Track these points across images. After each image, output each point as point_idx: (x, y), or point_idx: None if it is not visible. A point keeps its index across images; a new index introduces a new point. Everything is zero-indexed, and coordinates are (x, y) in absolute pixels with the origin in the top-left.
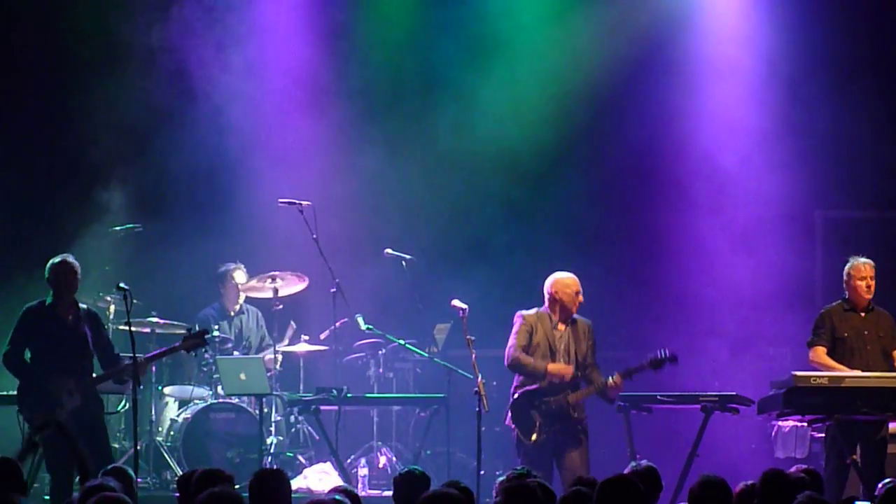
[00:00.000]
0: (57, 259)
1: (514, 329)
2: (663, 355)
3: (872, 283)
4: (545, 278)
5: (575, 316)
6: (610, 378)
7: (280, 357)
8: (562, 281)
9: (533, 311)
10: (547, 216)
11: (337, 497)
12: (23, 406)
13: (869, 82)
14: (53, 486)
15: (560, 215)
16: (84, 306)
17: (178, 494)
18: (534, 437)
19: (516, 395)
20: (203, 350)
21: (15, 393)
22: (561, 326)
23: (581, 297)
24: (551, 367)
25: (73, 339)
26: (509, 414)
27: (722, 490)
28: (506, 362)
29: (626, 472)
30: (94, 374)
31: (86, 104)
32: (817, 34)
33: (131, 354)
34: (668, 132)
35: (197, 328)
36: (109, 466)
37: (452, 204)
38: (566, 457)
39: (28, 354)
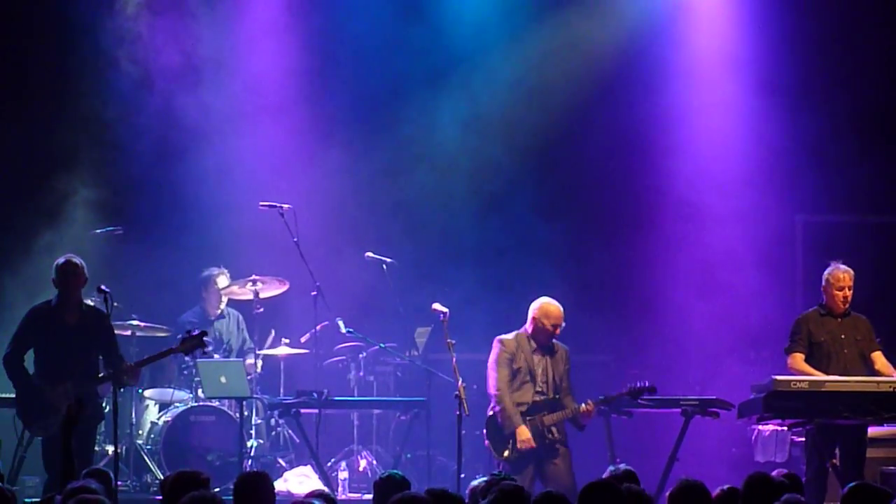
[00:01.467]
0: (61, 259)
1: (494, 357)
2: (642, 385)
3: (850, 293)
4: (525, 282)
5: (563, 346)
6: (583, 404)
7: (260, 361)
8: (546, 310)
9: (512, 335)
10: (528, 223)
11: (315, 502)
12: (20, 413)
13: (848, 88)
14: (49, 484)
15: (544, 225)
16: (90, 303)
17: (160, 497)
18: (505, 453)
19: (491, 413)
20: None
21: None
22: (538, 351)
23: (559, 330)
24: (519, 431)
25: (75, 341)
26: (485, 430)
27: (701, 494)
28: (491, 392)
29: (605, 475)
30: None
31: (66, 107)
32: (796, 42)
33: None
34: (645, 140)
35: (196, 331)
36: (88, 469)
37: (433, 208)
38: (548, 468)
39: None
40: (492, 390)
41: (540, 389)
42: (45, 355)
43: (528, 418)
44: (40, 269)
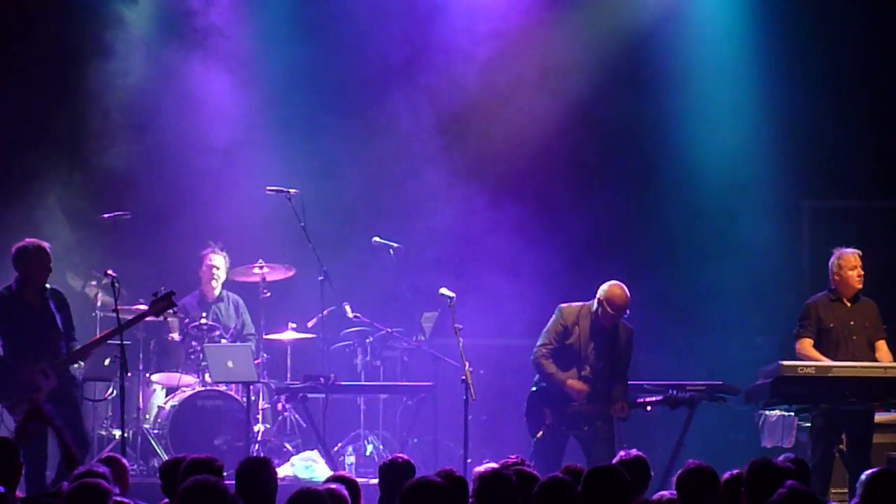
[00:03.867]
0: (29, 244)
1: (548, 325)
2: (682, 398)
3: (862, 272)
4: (533, 267)
5: (625, 323)
6: (616, 406)
7: (264, 354)
8: (610, 294)
9: (576, 305)
10: (539, 211)
11: (332, 486)
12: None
13: (854, 72)
14: (28, 478)
15: (551, 210)
16: (49, 287)
17: (161, 482)
18: (538, 434)
19: (534, 389)
20: (191, 337)
21: None
22: (596, 331)
23: (621, 317)
24: (570, 383)
25: (41, 323)
26: (525, 407)
27: (709, 478)
28: (532, 358)
29: (614, 461)
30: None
31: (76, 92)
32: (800, 25)
33: (118, 342)
34: (651, 126)
35: (163, 290)
36: (105, 454)
37: (439, 192)
38: (588, 449)
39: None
40: (535, 351)
41: (586, 375)
42: (13, 339)
43: (572, 403)
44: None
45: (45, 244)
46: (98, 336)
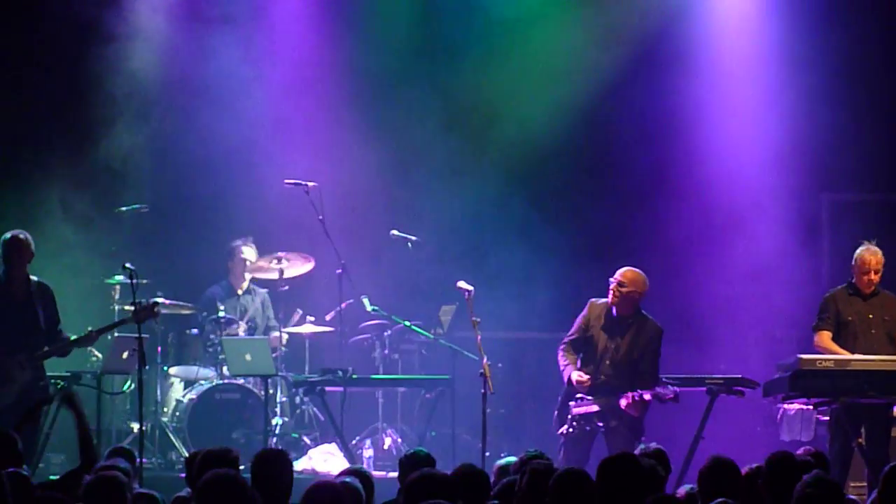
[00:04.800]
0: (7, 235)
1: (577, 320)
2: (664, 394)
3: (876, 276)
4: (551, 262)
5: (648, 316)
6: (623, 399)
7: (286, 336)
8: (624, 277)
9: (604, 300)
10: (555, 204)
11: (347, 479)
12: None
13: (875, 64)
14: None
15: (568, 203)
16: (35, 279)
17: (184, 475)
18: (563, 429)
19: (567, 385)
20: (208, 329)
21: None
22: (613, 325)
23: (629, 297)
24: (574, 376)
25: (22, 314)
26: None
27: (731, 471)
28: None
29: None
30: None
31: (93, 81)
32: (823, 18)
33: (136, 335)
34: (669, 117)
35: (148, 301)
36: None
37: (458, 185)
38: (611, 450)
39: None
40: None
41: (602, 369)
42: None
43: (592, 397)
44: (67, 248)
45: (23, 233)
46: (71, 339)
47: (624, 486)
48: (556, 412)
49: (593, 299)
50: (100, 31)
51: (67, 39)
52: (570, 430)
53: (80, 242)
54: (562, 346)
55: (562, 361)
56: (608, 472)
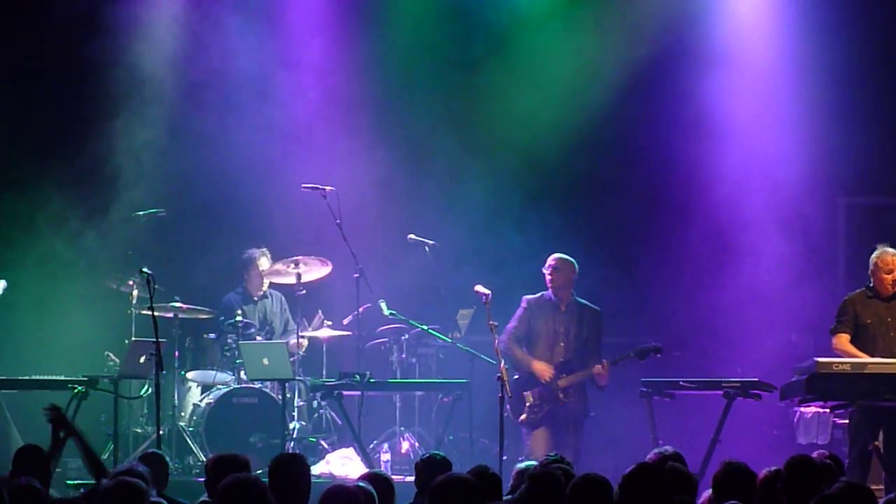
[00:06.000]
0: None
1: (516, 313)
2: (647, 346)
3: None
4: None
5: (583, 302)
6: (597, 366)
7: (306, 342)
8: (562, 261)
9: (537, 295)
10: (572, 207)
11: (360, 484)
12: None
13: (891, 68)
14: None
15: (585, 206)
16: None
17: (202, 479)
18: (522, 417)
19: (516, 377)
20: (225, 334)
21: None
22: (558, 312)
23: (551, 279)
24: (535, 364)
25: None
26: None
27: (746, 476)
28: (500, 347)
29: (649, 457)
30: None
31: (111, 91)
32: (841, 19)
33: (153, 339)
34: (689, 120)
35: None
36: (146, 451)
37: (476, 189)
38: (557, 438)
39: None
40: (501, 338)
41: (555, 351)
42: None
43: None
44: (84, 253)
45: None
46: None
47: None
48: (508, 403)
49: (526, 296)
50: (116, 36)
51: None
52: (530, 415)
53: (96, 247)
54: (508, 338)
55: (517, 352)
56: (634, 482)
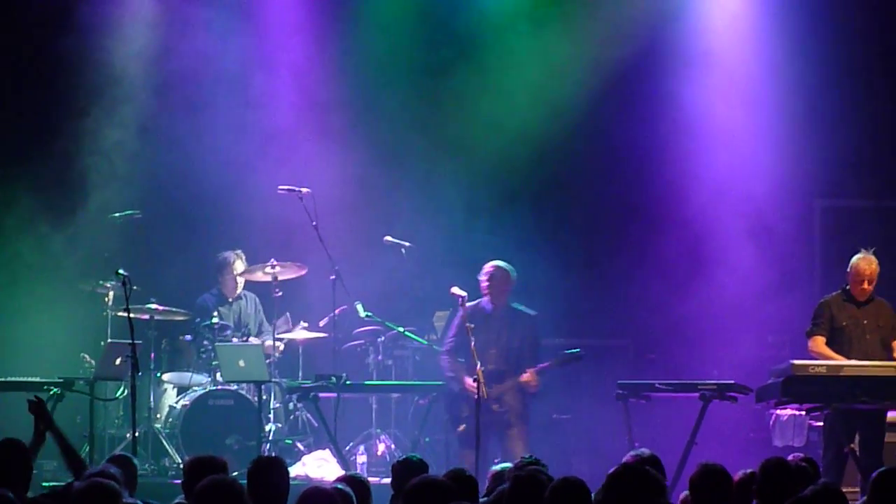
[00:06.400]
0: None
1: (453, 322)
2: (569, 354)
3: (870, 286)
4: (543, 271)
5: (519, 308)
6: (524, 374)
7: (282, 345)
8: (499, 269)
9: (473, 302)
10: (546, 209)
11: (339, 486)
12: None
13: (867, 71)
14: None
15: (559, 208)
16: None
17: (178, 481)
18: (460, 427)
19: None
20: (201, 336)
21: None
22: (492, 319)
23: (486, 286)
24: (466, 382)
25: None
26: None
27: (722, 478)
28: (440, 362)
29: (626, 459)
30: None
31: (83, 90)
32: (817, 23)
33: (129, 341)
34: (663, 122)
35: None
36: (115, 453)
37: (451, 191)
38: (503, 441)
39: None
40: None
41: (486, 358)
42: None
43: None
44: (60, 254)
45: None
46: None
47: (632, 497)
48: (447, 414)
49: (461, 305)
50: (87, 33)
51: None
52: (467, 426)
53: (70, 249)
54: (446, 354)
55: (448, 372)
56: (619, 482)
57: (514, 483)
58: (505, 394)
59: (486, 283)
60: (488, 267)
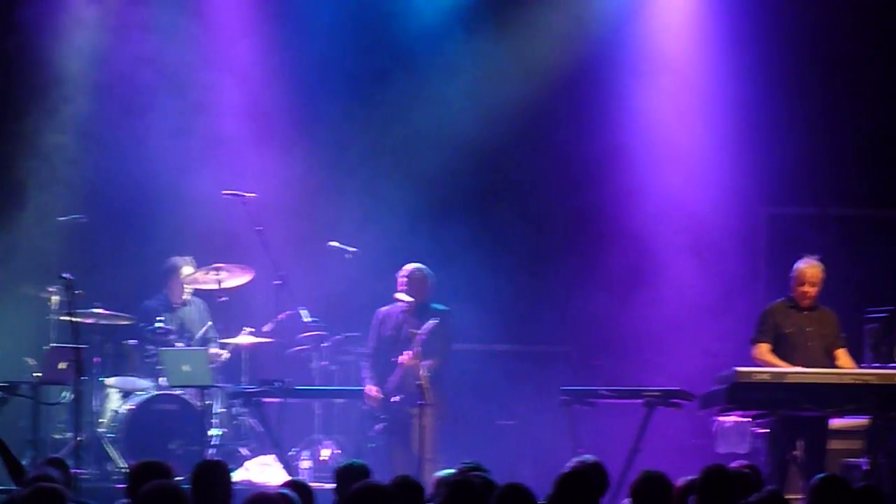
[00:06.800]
0: None
1: (370, 332)
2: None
3: (814, 290)
4: (487, 276)
5: (435, 305)
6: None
7: (227, 354)
8: (417, 270)
9: (385, 308)
10: (489, 216)
11: (284, 491)
12: None
13: (812, 78)
14: None
15: (502, 215)
16: None
17: (122, 486)
18: (378, 426)
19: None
20: (146, 340)
21: None
22: (409, 316)
23: (401, 285)
24: (366, 391)
25: None
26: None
27: (662, 485)
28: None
29: (570, 465)
30: None
31: (23, 91)
32: (759, 31)
33: (73, 345)
34: (607, 129)
35: None
36: (50, 456)
37: (393, 197)
38: (402, 438)
39: None
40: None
41: (398, 353)
42: None
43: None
44: (1, 258)
45: None
46: None
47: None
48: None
49: (379, 308)
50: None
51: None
52: (383, 423)
53: (13, 252)
54: (365, 359)
55: (364, 376)
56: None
57: (449, 489)
58: (406, 382)
59: (405, 282)
60: (408, 267)
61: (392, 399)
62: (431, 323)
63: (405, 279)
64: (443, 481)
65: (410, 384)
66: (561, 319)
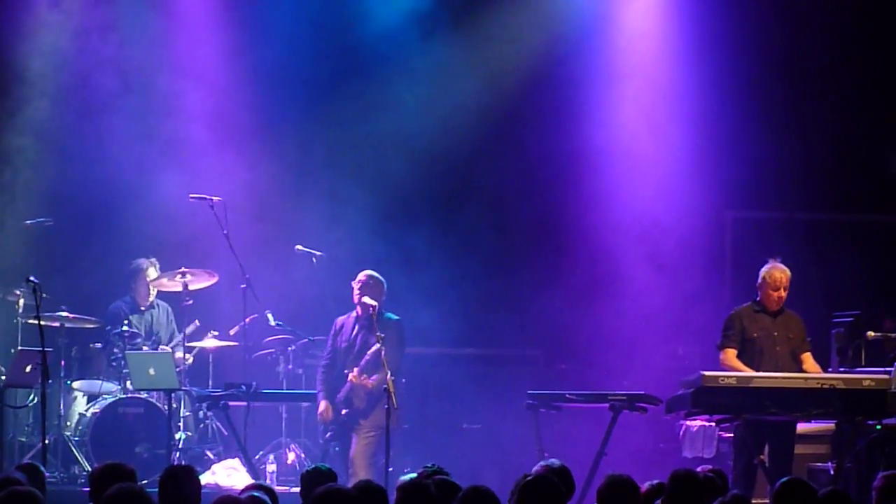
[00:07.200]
0: None
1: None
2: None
3: (784, 293)
4: (452, 280)
5: (386, 315)
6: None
7: (191, 358)
8: (372, 277)
9: (341, 317)
10: (456, 220)
11: (254, 494)
12: None
13: (776, 83)
14: None
15: (468, 219)
16: None
17: (87, 489)
18: (327, 434)
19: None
20: (112, 343)
21: None
22: (359, 326)
23: (356, 294)
24: (319, 406)
25: None
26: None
27: (629, 489)
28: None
29: (535, 470)
30: None
31: None
32: (724, 36)
33: (39, 348)
34: (571, 135)
35: None
36: (23, 462)
37: (357, 202)
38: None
39: None
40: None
41: (360, 364)
42: None
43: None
44: None
45: None
46: None
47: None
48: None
49: (337, 318)
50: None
51: None
52: (331, 432)
53: None
54: (321, 371)
55: (318, 389)
56: (527, 492)
57: (403, 493)
58: (353, 397)
59: (359, 292)
60: (361, 275)
61: (342, 411)
62: (376, 347)
63: (359, 286)
64: (399, 486)
65: (362, 401)
66: (526, 324)
